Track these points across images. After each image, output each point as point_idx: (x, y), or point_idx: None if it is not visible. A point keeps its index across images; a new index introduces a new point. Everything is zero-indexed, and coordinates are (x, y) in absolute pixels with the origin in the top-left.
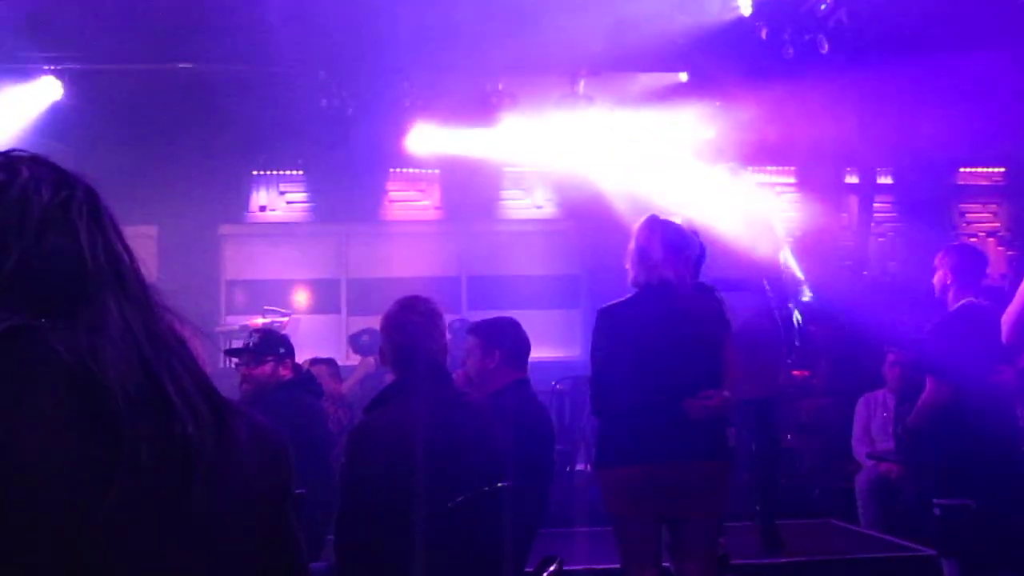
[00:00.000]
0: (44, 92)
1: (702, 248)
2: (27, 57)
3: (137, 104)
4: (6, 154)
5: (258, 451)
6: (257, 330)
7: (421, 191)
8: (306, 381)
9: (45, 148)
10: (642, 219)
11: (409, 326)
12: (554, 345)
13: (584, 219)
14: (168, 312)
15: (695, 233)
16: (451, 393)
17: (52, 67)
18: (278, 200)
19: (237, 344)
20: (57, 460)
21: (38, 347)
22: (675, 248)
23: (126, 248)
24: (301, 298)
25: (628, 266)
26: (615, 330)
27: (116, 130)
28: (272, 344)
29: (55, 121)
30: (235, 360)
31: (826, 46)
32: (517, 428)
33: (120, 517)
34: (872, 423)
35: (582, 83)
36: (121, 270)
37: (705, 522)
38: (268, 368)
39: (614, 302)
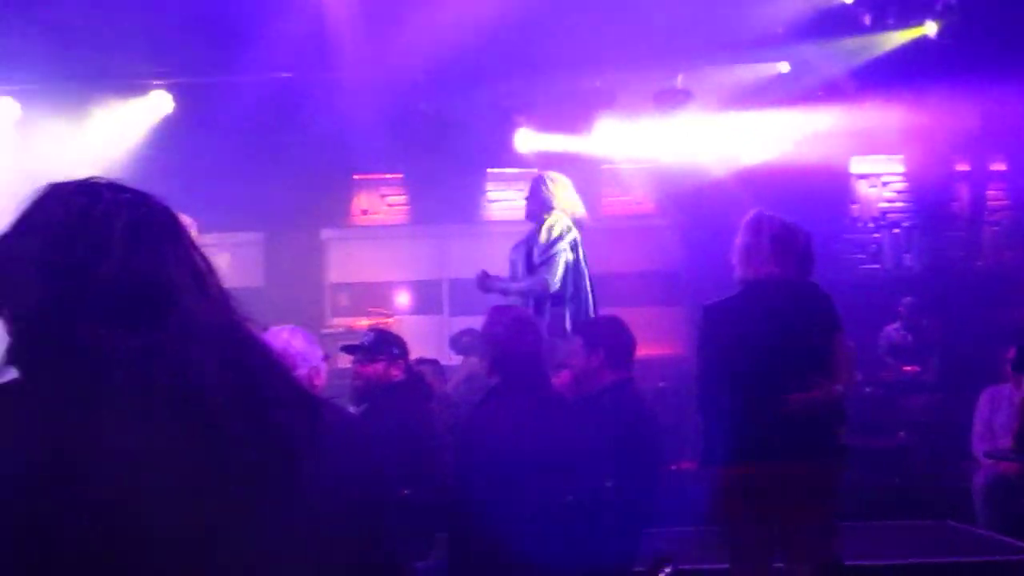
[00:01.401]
0: (156, 106)
1: (809, 244)
2: (139, 73)
3: (241, 114)
4: (87, 180)
5: (349, 443)
6: (373, 329)
7: (520, 191)
8: (416, 383)
9: (157, 160)
10: (749, 215)
11: (507, 335)
12: (656, 343)
13: (683, 214)
14: (247, 317)
15: (802, 229)
16: (549, 394)
17: (162, 82)
18: (379, 203)
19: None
20: (165, 465)
21: (131, 363)
22: (782, 244)
23: (204, 259)
24: (403, 299)
25: (735, 263)
26: (721, 327)
27: (222, 140)
28: (386, 344)
29: (166, 134)
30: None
31: (934, 31)
32: (620, 428)
33: (228, 510)
34: (996, 418)
35: (680, 77)
36: (201, 280)
37: (816, 522)
38: (380, 367)
39: (720, 299)
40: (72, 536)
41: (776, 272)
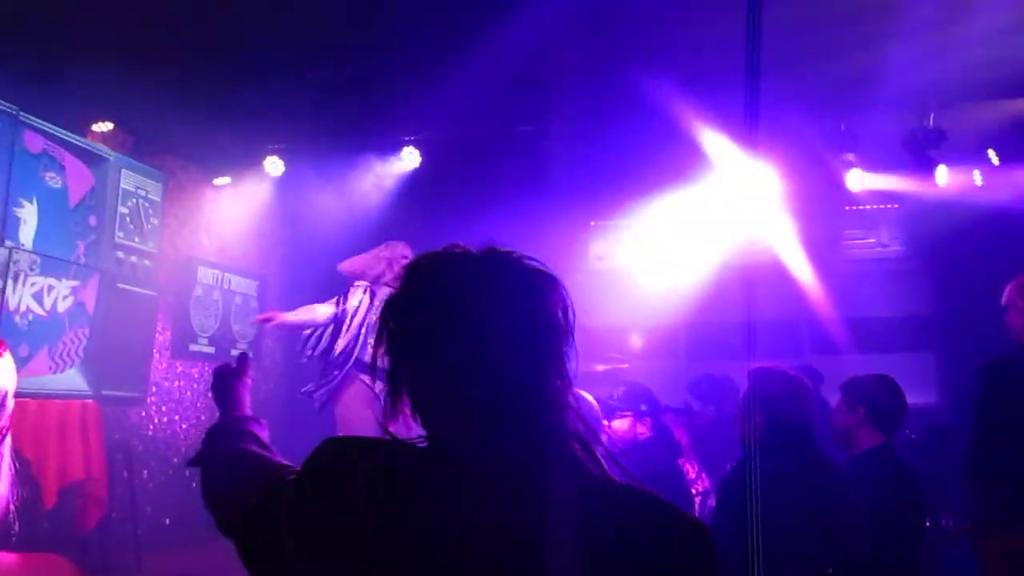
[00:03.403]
0: (406, 162)
1: None
2: (390, 131)
3: (482, 166)
4: (483, 251)
5: (642, 528)
6: (627, 382)
7: None
8: (664, 440)
9: (404, 211)
10: None
11: (773, 398)
12: (906, 391)
13: (936, 257)
14: (590, 434)
15: None
16: (817, 457)
17: (411, 138)
18: (614, 248)
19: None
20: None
21: (481, 458)
22: None
23: (574, 357)
24: (639, 344)
25: (1017, 320)
26: (1004, 387)
27: (464, 190)
28: (633, 399)
29: (413, 187)
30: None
31: None
32: (881, 494)
33: None
34: None
35: (932, 116)
36: (562, 390)
37: None
38: (626, 423)
39: (1002, 357)
40: None
41: None
